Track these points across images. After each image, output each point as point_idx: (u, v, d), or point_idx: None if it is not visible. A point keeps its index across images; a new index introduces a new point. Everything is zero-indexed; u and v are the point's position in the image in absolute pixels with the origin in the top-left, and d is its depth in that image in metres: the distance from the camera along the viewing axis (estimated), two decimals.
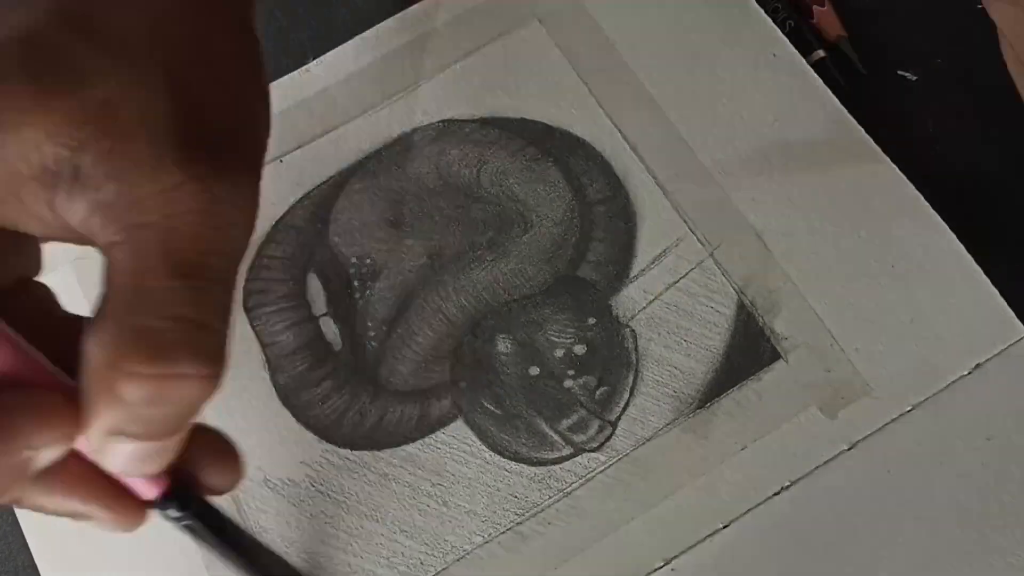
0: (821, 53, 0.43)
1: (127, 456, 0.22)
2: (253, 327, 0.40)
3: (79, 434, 0.22)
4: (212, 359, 0.21)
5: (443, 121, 0.42)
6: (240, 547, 0.28)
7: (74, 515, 0.24)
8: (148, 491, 0.24)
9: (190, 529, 0.26)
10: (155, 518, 0.25)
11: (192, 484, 0.25)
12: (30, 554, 0.37)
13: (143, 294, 0.20)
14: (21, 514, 0.37)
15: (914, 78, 0.43)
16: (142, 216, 0.20)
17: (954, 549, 0.34)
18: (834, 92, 0.41)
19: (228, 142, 0.22)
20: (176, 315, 0.20)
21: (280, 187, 0.42)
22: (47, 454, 0.21)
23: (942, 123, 0.42)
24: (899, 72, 0.43)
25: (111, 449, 0.22)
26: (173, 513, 0.25)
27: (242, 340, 0.39)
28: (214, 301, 0.21)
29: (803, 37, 0.43)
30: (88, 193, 0.20)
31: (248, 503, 0.37)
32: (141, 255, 0.20)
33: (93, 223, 0.21)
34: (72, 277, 0.40)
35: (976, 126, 0.42)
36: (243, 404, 0.38)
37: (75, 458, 0.23)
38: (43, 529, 0.37)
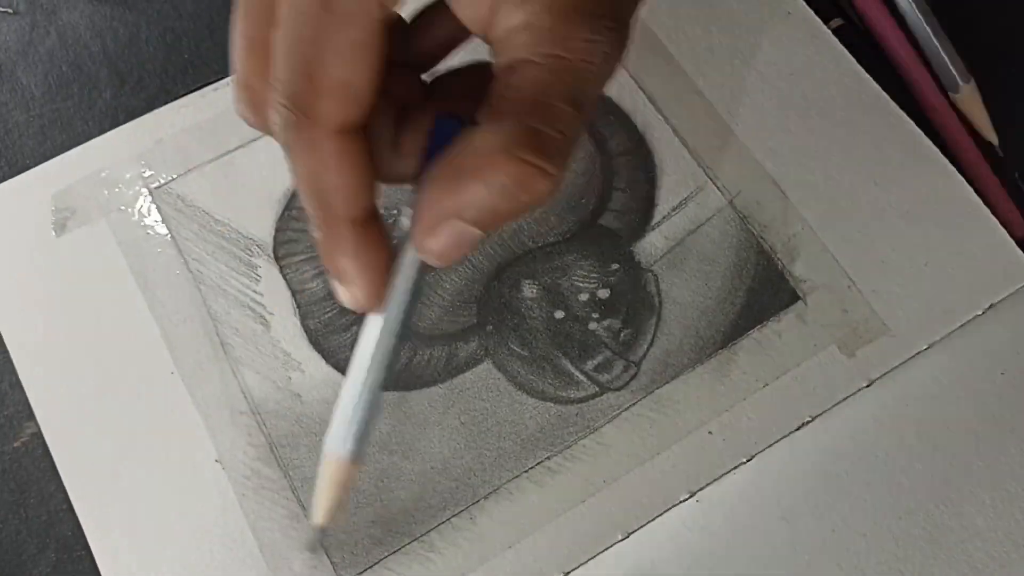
0: (839, 20, 0.44)
1: (455, 237, 0.25)
2: (284, 275, 0.40)
3: None
4: (564, 168, 0.25)
5: None
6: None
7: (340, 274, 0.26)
8: None
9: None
10: None
11: None
12: (75, 517, 0.37)
13: (545, 108, 0.24)
14: (59, 460, 0.38)
15: None
16: (566, 52, 0.24)
17: (971, 476, 0.35)
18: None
19: (627, 11, 0.26)
20: (562, 130, 0.24)
21: None
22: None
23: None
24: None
25: (442, 231, 0.25)
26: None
27: (272, 287, 0.40)
28: (582, 129, 0.25)
29: (820, 5, 0.44)
30: (532, 16, 0.24)
31: (280, 441, 0.37)
32: (553, 80, 0.24)
33: (518, 37, 0.25)
34: (108, 231, 0.41)
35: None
36: (274, 348, 0.39)
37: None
38: (78, 471, 0.38)
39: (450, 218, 0.24)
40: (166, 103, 0.44)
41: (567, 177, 0.41)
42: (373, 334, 0.27)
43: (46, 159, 0.43)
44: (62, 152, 0.43)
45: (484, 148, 0.24)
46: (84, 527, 0.37)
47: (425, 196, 0.25)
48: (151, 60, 0.46)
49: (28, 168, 0.42)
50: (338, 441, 0.27)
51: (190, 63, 0.45)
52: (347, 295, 0.26)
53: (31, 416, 0.38)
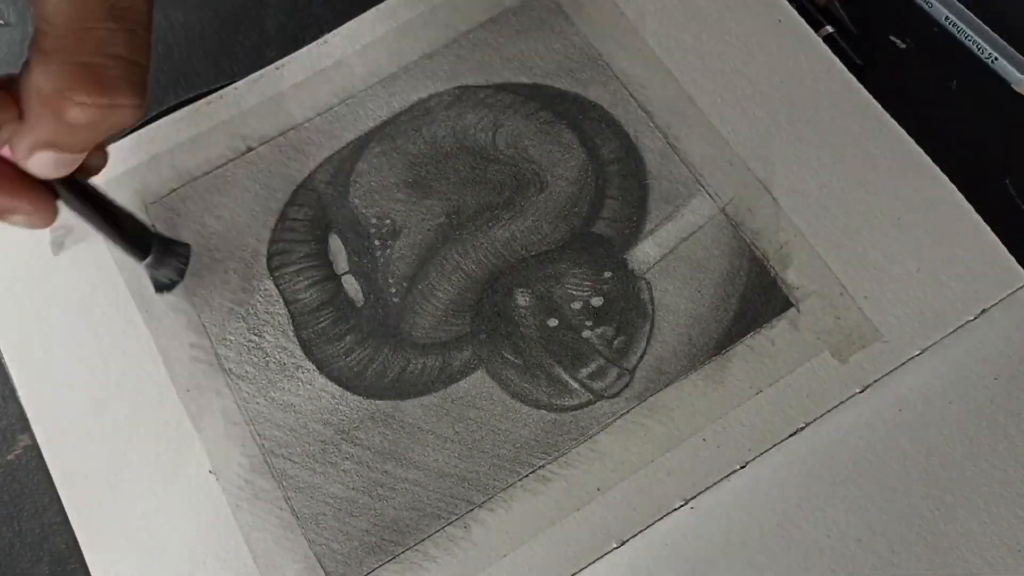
0: (829, 29, 0.44)
1: (51, 162, 0.26)
2: (277, 286, 0.40)
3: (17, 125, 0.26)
4: (141, 91, 0.25)
5: (458, 87, 0.44)
6: (108, 211, 0.35)
7: (3, 210, 0.28)
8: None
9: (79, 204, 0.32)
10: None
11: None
12: (63, 510, 0.37)
13: (85, 35, 0.23)
14: (55, 472, 0.38)
15: (903, 45, 0.45)
16: None
17: (966, 483, 0.35)
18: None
19: None
20: (114, 54, 0.23)
21: (301, 153, 0.43)
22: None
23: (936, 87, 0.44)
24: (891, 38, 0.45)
25: (40, 158, 0.26)
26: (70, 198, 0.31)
27: (267, 298, 0.40)
28: (142, 41, 0.25)
29: (810, 15, 0.45)
30: None
31: (274, 451, 0.37)
32: (82, 2, 0.24)
33: None
34: (105, 247, 0.41)
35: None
36: (268, 359, 0.39)
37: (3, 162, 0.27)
38: (74, 482, 0.38)
39: (36, 151, 0.26)
40: (157, 113, 0.44)
41: (559, 185, 0.41)
42: None
43: None
44: None
45: (42, 94, 0.24)
46: (79, 540, 0.37)
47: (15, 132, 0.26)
48: None
49: None
50: None
51: (181, 74, 0.46)
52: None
53: (26, 428, 0.38)
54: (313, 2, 0.47)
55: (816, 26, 0.44)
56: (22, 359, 0.40)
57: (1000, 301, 0.38)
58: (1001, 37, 0.44)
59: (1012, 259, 0.39)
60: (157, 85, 0.45)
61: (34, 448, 0.38)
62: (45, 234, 0.42)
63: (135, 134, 0.43)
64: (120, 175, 0.42)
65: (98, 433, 0.38)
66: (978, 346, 0.37)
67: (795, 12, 0.44)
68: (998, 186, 0.42)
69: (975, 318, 0.38)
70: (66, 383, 0.39)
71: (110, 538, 0.37)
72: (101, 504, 0.37)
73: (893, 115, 0.41)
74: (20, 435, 0.39)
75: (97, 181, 0.42)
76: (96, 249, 0.41)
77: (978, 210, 0.40)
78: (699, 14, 0.44)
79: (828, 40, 0.44)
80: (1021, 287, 0.38)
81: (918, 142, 0.41)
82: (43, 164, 0.27)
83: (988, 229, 0.39)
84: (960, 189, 0.40)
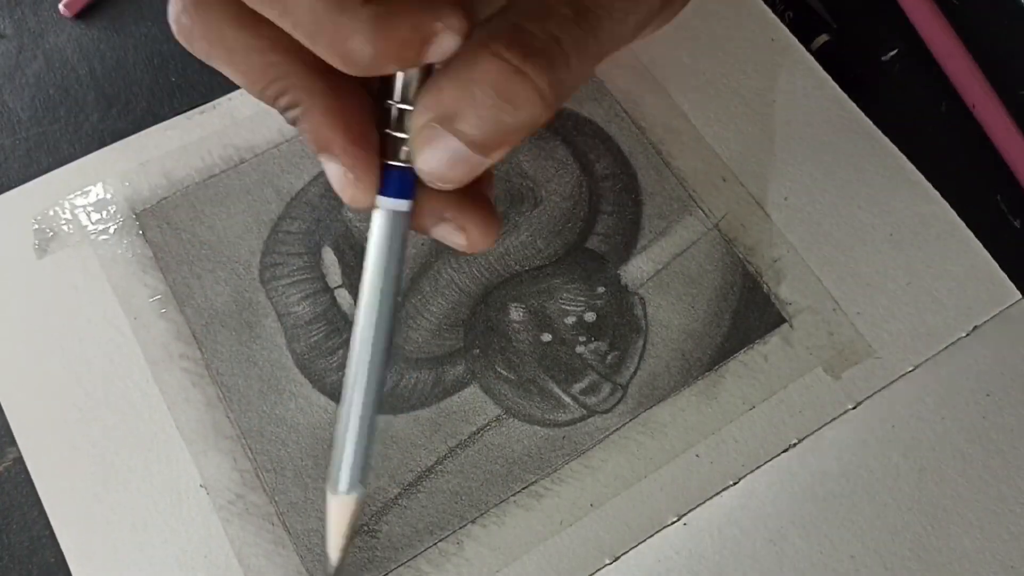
0: (825, 37, 0.45)
1: (449, 153, 0.23)
2: (269, 298, 0.40)
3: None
4: (559, 92, 0.22)
5: None
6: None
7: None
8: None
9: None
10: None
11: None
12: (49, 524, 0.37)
13: (539, 8, 0.22)
14: (40, 486, 0.37)
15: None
16: None
17: (959, 499, 0.35)
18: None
19: None
20: (556, 35, 0.22)
21: (295, 165, 0.43)
22: (446, 41, 0.22)
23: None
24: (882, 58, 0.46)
25: (440, 141, 0.23)
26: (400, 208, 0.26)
27: (258, 310, 0.40)
28: (582, 43, 0.23)
29: (804, 26, 0.45)
30: None
31: (266, 466, 0.37)
32: None
33: None
34: (92, 253, 0.41)
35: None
36: (259, 372, 0.39)
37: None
38: (60, 495, 0.37)
39: (435, 127, 0.23)
40: (153, 126, 0.44)
41: (553, 200, 0.41)
42: (363, 357, 0.27)
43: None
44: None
45: (467, 47, 0.22)
46: (66, 554, 0.36)
47: (416, 103, 0.24)
48: (138, 83, 0.46)
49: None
50: (343, 480, 0.29)
51: (177, 86, 0.46)
52: (340, 176, 0.25)
53: (12, 442, 0.38)
54: None
55: (812, 35, 0.44)
56: (6, 369, 0.39)
57: (992, 317, 0.38)
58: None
59: (1004, 275, 0.39)
60: (152, 97, 0.45)
61: (21, 461, 0.38)
62: (28, 237, 0.41)
63: (124, 140, 0.43)
64: (110, 180, 0.42)
65: (84, 445, 0.38)
66: (971, 362, 0.38)
67: (787, 30, 0.44)
68: (989, 202, 0.42)
69: (967, 334, 0.38)
70: (51, 394, 0.39)
71: (98, 552, 0.36)
72: (88, 518, 0.37)
73: (885, 129, 0.42)
74: (8, 448, 0.38)
75: (83, 185, 0.42)
76: (82, 253, 0.41)
77: (969, 226, 0.40)
78: (693, 32, 0.44)
79: (824, 48, 0.44)
80: (1013, 303, 0.38)
81: (909, 157, 0.41)
82: (436, 155, 0.24)
83: (980, 245, 0.40)
84: (951, 205, 0.40)
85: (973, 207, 0.41)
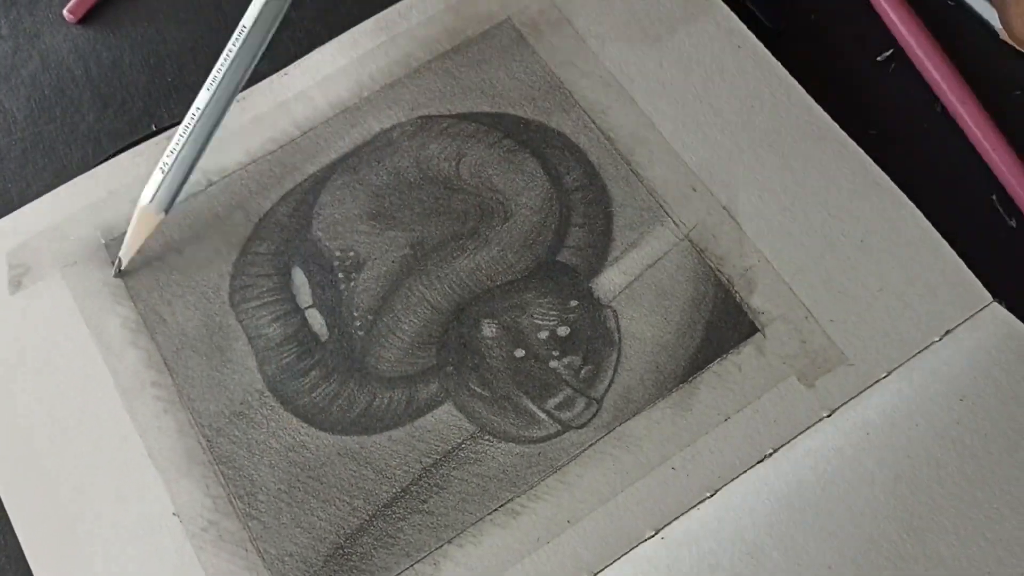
0: None
1: None
2: (240, 321, 0.40)
3: None
4: None
5: (421, 117, 0.43)
6: None
7: None
8: None
9: None
10: None
11: None
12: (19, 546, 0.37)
13: None
14: (14, 515, 0.37)
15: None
16: None
17: (934, 506, 0.35)
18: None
19: None
20: None
21: (263, 186, 0.42)
22: None
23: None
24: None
25: None
26: None
27: (229, 333, 0.40)
28: None
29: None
30: None
31: (238, 492, 0.37)
32: None
33: None
34: (64, 285, 0.40)
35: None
36: (231, 395, 0.38)
37: None
38: (32, 523, 0.37)
39: None
40: (149, 127, 0.44)
41: (523, 214, 0.41)
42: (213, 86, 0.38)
43: (27, 183, 0.44)
44: (43, 176, 0.44)
45: None
46: None
47: None
48: (134, 84, 0.46)
49: (9, 192, 0.43)
50: (158, 199, 0.39)
51: (173, 87, 0.45)
52: None
53: None
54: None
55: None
56: None
57: (964, 321, 0.38)
58: None
59: (976, 279, 0.39)
60: (149, 97, 0.45)
61: None
62: (2, 272, 0.41)
63: (92, 170, 0.43)
64: (77, 211, 0.42)
65: (57, 474, 0.38)
66: (944, 367, 0.37)
67: (754, 37, 0.44)
68: (985, 202, 0.42)
69: (940, 339, 0.38)
70: (23, 424, 0.38)
71: None
72: (61, 548, 0.36)
73: (881, 129, 0.42)
74: None
75: (55, 219, 0.41)
76: (54, 286, 0.41)
77: (964, 227, 0.40)
78: (659, 40, 0.44)
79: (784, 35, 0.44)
80: (985, 307, 0.38)
81: (903, 158, 0.41)
82: None
83: (951, 249, 0.39)
84: (947, 206, 0.40)
85: (968, 207, 0.41)
